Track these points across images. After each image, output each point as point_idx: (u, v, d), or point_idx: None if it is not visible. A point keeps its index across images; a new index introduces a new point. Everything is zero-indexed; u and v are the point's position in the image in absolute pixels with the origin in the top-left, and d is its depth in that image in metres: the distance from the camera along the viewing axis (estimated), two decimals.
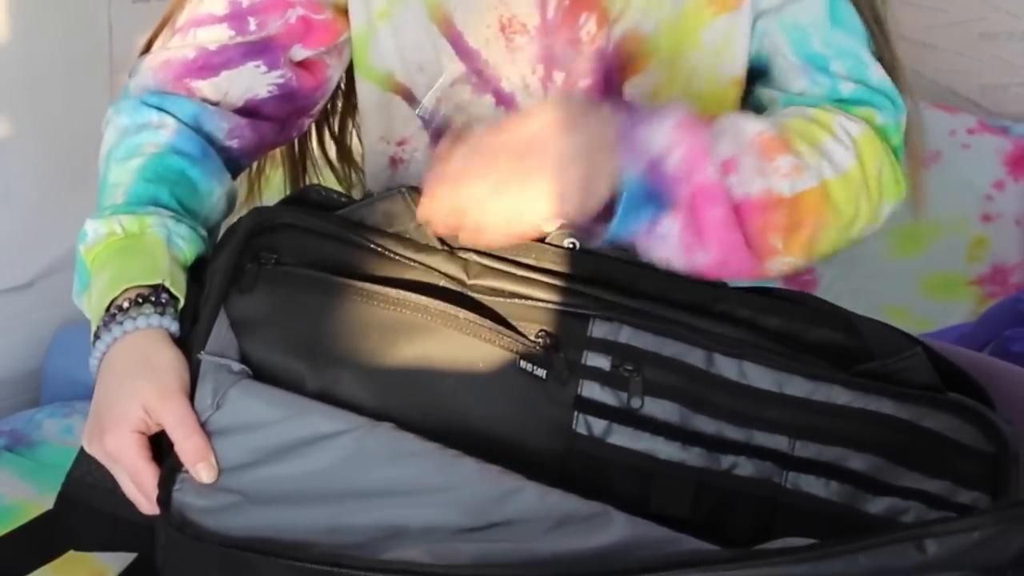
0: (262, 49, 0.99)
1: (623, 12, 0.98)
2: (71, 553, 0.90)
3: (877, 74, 0.97)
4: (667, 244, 0.87)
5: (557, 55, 0.98)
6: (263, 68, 0.99)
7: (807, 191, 0.90)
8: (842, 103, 0.96)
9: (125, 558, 0.92)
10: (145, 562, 0.89)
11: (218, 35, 0.99)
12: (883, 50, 0.99)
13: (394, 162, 1.06)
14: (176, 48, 0.99)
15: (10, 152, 1.50)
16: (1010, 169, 1.94)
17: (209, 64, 0.98)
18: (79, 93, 1.55)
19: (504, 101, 1.00)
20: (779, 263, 0.92)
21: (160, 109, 0.96)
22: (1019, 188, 1.94)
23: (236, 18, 0.99)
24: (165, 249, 0.88)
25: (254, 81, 0.99)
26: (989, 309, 1.70)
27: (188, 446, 0.79)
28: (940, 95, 2.04)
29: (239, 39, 0.98)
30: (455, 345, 0.84)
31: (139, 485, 0.81)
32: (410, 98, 1.03)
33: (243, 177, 1.09)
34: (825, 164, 0.91)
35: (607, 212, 0.85)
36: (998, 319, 1.59)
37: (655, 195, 0.85)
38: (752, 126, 0.90)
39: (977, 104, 2.03)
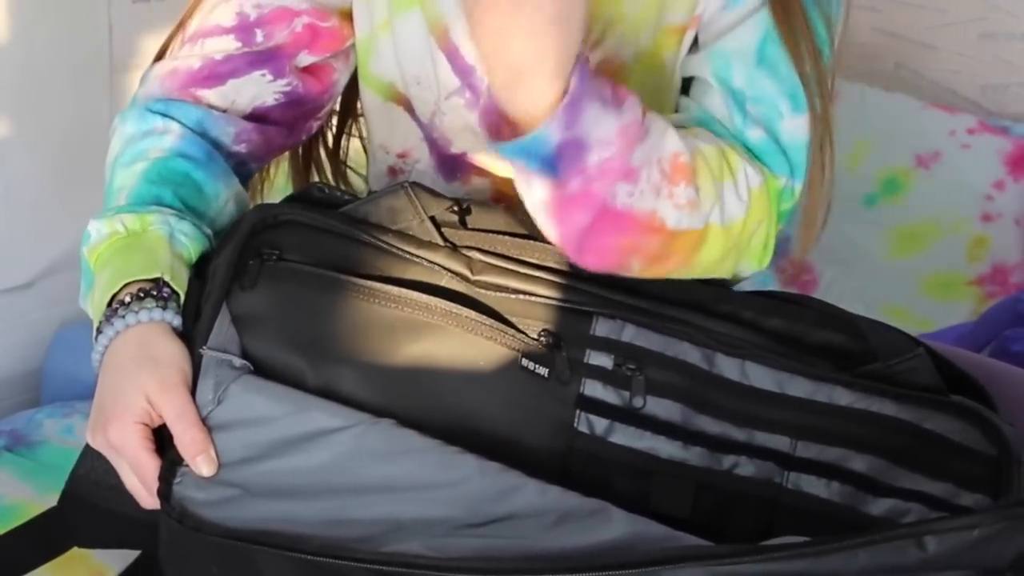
0: (268, 59, 0.99)
1: (602, 38, 0.96)
2: (71, 553, 0.90)
3: (789, 129, 0.91)
4: (529, 195, 0.81)
5: None
6: (269, 77, 0.99)
7: (689, 231, 0.85)
8: (747, 148, 0.91)
9: (126, 558, 0.92)
10: (146, 562, 0.89)
11: (225, 46, 0.99)
12: (814, 100, 0.91)
13: (393, 171, 1.06)
14: (183, 58, 0.99)
15: (10, 152, 1.50)
16: (1010, 169, 1.95)
17: (215, 74, 0.98)
18: (79, 93, 1.55)
19: None
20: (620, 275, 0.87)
21: (165, 115, 0.96)
22: (1019, 188, 1.94)
23: (243, 30, 0.98)
24: (167, 245, 0.88)
25: (261, 89, 0.99)
26: (989, 309, 1.70)
27: (187, 439, 0.80)
28: (940, 95, 2.04)
29: (245, 49, 0.99)
30: (457, 343, 0.84)
31: (141, 477, 0.81)
32: (411, 109, 1.03)
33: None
34: (716, 209, 0.86)
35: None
36: (998, 319, 1.59)
37: (551, 163, 0.78)
38: (672, 143, 0.84)
39: (977, 104, 2.03)
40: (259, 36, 0.98)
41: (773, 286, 1.11)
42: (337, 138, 1.15)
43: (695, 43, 0.96)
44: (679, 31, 0.95)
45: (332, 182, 1.15)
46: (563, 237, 0.83)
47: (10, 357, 1.56)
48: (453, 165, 1.02)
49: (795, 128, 0.91)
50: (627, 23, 0.95)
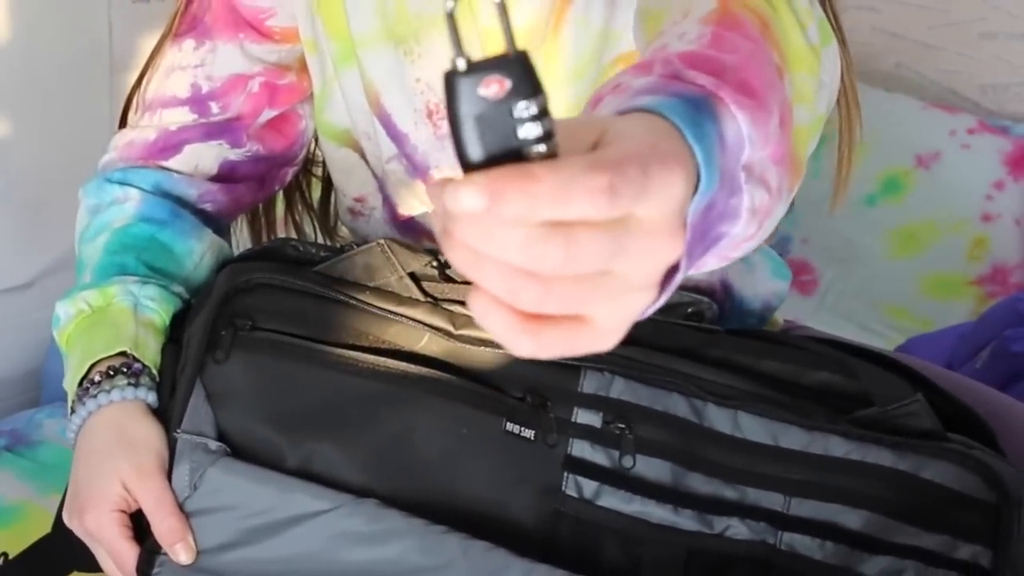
0: (224, 130, 0.98)
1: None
2: None
3: None
4: (743, 139, 0.58)
5: None
6: (226, 146, 0.98)
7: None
8: None
9: None
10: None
11: (180, 118, 0.97)
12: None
13: (353, 213, 1.04)
14: (140, 128, 0.98)
15: (10, 152, 1.50)
16: (1010, 169, 1.95)
17: (169, 144, 0.97)
18: (79, 93, 1.54)
19: None
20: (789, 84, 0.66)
21: (123, 183, 0.95)
22: (1019, 188, 1.94)
23: (197, 102, 0.97)
24: (132, 316, 0.87)
25: (221, 150, 0.98)
26: (989, 309, 1.70)
27: (165, 527, 0.79)
28: (940, 95, 2.05)
29: (202, 121, 0.97)
30: (438, 413, 0.81)
31: (119, 565, 0.81)
32: (365, 158, 1.00)
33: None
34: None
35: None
36: (998, 319, 1.59)
37: (698, 107, 0.55)
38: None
39: (977, 104, 2.03)
40: (214, 108, 0.97)
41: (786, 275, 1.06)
42: (327, 185, 1.12)
43: None
44: (631, 58, 0.88)
45: (314, 224, 1.13)
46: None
47: (10, 357, 1.56)
48: (405, 225, 0.99)
49: None
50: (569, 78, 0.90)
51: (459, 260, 0.44)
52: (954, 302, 1.92)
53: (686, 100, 0.53)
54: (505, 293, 0.44)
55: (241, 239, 1.09)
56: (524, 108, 0.43)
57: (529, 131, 0.43)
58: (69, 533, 0.85)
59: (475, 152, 0.43)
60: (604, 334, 0.46)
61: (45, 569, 0.89)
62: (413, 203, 0.97)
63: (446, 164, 0.94)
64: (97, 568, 0.85)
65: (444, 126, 0.92)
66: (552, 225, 0.42)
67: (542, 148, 0.43)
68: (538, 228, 0.42)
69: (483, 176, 0.42)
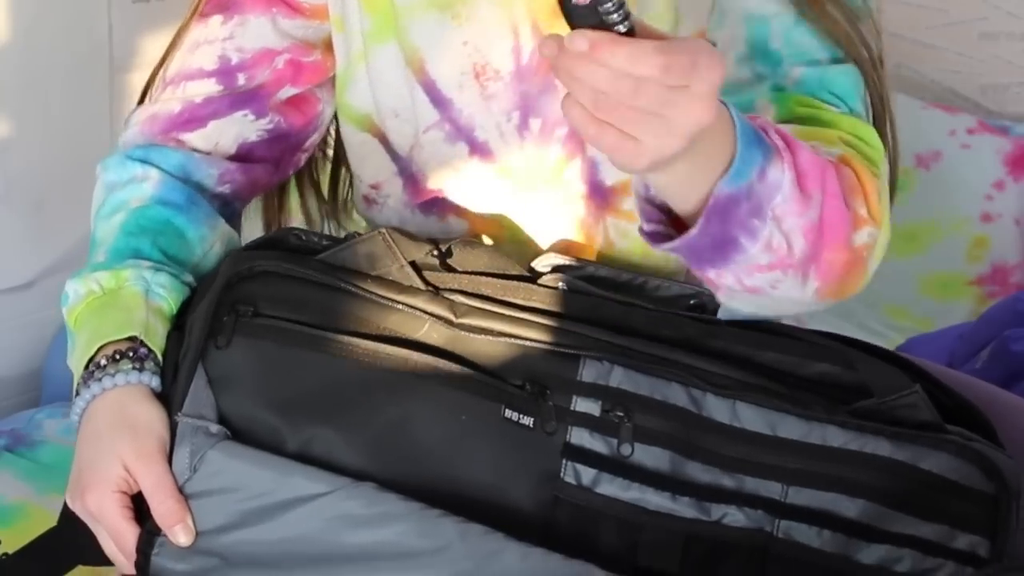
0: (249, 99, 0.98)
1: None
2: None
3: (835, 74, 0.91)
4: (782, 192, 0.76)
5: (533, 101, 0.95)
6: (251, 117, 0.98)
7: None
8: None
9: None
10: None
11: (206, 89, 0.97)
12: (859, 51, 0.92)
13: (368, 201, 1.05)
14: (163, 102, 0.98)
15: (10, 152, 1.50)
16: (1010, 169, 1.95)
17: (195, 117, 0.97)
18: (79, 93, 1.55)
19: (478, 150, 0.97)
20: (866, 234, 0.86)
21: (145, 162, 0.95)
22: (1019, 188, 1.94)
23: (224, 74, 0.97)
24: (143, 301, 0.87)
25: (243, 127, 0.98)
26: (989, 309, 1.70)
27: (164, 509, 0.79)
28: (940, 95, 2.04)
29: (227, 92, 0.97)
30: (437, 399, 0.82)
31: (120, 546, 0.81)
32: (385, 142, 1.01)
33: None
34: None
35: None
36: (998, 319, 1.59)
37: (759, 141, 0.75)
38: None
39: (977, 104, 2.03)
40: (241, 79, 0.97)
41: None
42: (335, 169, 1.13)
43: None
44: None
45: (323, 211, 1.13)
46: (820, 207, 0.79)
47: (10, 357, 1.57)
48: (430, 202, 1.00)
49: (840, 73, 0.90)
50: None
51: (563, 77, 0.67)
52: (954, 302, 1.92)
53: (757, 130, 0.74)
54: (588, 101, 0.67)
55: (250, 233, 1.10)
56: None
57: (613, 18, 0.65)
58: (75, 526, 0.85)
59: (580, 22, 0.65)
60: (640, 153, 0.68)
61: (49, 562, 0.89)
62: (443, 172, 0.98)
63: (491, 124, 0.96)
64: (103, 562, 0.85)
65: (491, 86, 0.95)
66: (628, 75, 0.65)
67: (622, 28, 0.65)
68: (617, 72, 0.65)
69: (589, 33, 0.65)
